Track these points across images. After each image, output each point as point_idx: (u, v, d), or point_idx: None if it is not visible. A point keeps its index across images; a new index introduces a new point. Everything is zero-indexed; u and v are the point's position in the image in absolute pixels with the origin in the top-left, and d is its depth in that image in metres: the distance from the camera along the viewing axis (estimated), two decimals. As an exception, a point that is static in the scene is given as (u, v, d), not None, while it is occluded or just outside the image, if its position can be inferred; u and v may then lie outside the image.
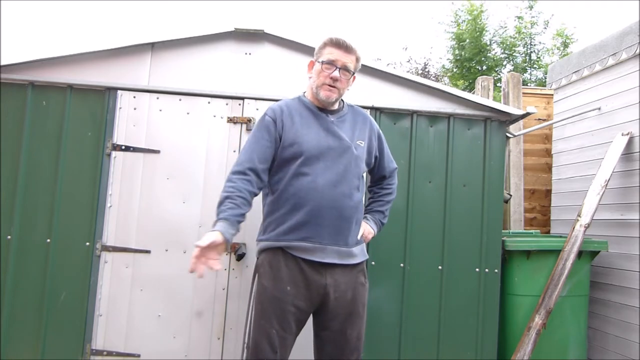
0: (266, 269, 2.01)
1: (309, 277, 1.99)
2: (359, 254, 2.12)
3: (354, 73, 2.11)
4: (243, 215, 1.91)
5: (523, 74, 10.90)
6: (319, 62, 2.07)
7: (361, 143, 2.15)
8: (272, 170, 2.07)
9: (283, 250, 2.00)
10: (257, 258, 2.11)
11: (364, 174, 2.21)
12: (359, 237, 2.12)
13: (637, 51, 3.39)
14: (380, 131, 2.32)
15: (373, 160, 2.26)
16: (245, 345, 2.06)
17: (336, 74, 2.03)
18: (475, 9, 12.56)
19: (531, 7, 12.93)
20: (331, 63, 2.03)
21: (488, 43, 12.65)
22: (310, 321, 2.11)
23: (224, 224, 1.83)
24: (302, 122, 2.08)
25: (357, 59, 2.10)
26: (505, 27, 12.79)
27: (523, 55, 12.83)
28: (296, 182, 2.01)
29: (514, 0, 15.64)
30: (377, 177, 2.35)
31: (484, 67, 12.48)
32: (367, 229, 2.20)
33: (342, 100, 2.21)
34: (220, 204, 1.90)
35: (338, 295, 2.03)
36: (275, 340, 1.96)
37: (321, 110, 2.13)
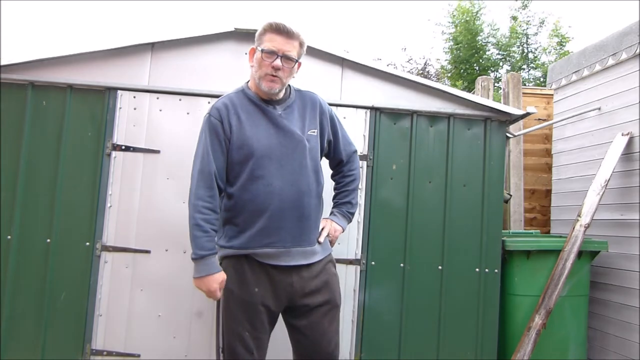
0: (231, 273, 1.97)
1: (274, 278, 1.97)
2: (320, 250, 2.06)
3: (298, 60, 1.98)
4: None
5: (519, 72, 10.91)
6: (259, 50, 1.94)
7: (313, 132, 2.05)
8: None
9: (247, 256, 1.97)
10: (220, 263, 2.01)
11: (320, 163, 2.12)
12: (321, 239, 2.06)
13: (637, 51, 3.39)
14: (333, 112, 2.19)
15: (327, 145, 2.15)
16: (221, 349, 2.03)
17: (278, 62, 1.91)
18: (467, 11, 12.57)
19: (525, 7, 12.94)
20: (272, 52, 1.91)
21: (483, 44, 12.66)
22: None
23: (215, 260, 1.95)
24: (249, 119, 1.98)
25: (301, 44, 1.97)
26: (497, 28, 12.81)
27: (519, 55, 12.84)
28: (251, 186, 1.93)
29: (509, 0, 15.64)
30: (335, 162, 2.23)
31: (481, 68, 12.49)
32: (332, 227, 2.13)
33: (288, 85, 2.07)
34: (201, 230, 1.92)
35: (310, 290, 1.99)
36: (249, 342, 1.94)
37: (267, 102, 2.01)
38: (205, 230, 1.92)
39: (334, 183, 2.29)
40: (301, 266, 2.00)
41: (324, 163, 2.21)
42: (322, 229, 2.10)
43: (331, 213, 2.20)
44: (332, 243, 2.16)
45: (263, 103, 2.02)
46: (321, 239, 2.06)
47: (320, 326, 2.01)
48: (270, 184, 1.93)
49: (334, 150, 2.20)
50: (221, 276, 1.94)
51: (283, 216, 1.94)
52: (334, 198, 2.25)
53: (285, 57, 1.93)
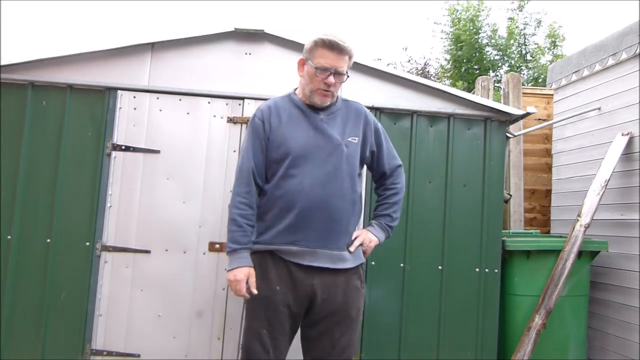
0: (256, 269, 1.98)
1: (296, 278, 1.96)
2: (351, 258, 2.04)
3: (347, 73, 2.02)
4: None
5: (518, 72, 10.92)
6: (311, 65, 1.98)
7: (354, 139, 2.06)
8: None
9: (272, 252, 1.98)
10: None
11: (362, 171, 2.13)
12: (352, 249, 2.03)
13: (637, 51, 3.39)
14: (379, 125, 2.21)
15: (369, 155, 2.15)
16: (240, 346, 2.04)
17: (331, 79, 1.96)
18: (472, 7, 12.57)
19: (521, 8, 12.94)
20: (325, 69, 1.95)
21: (483, 44, 12.66)
22: None
23: (246, 254, 1.98)
24: (290, 121, 2.03)
25: (350, 57, 2.01)
26: (497, 28, 12.80)
27: (517, 55, 12.84)
28: (284, 184, 1.96)
29: (506, 1, 15.64)
30: (378, 175, 2.21)
31: (481, 68, 12.49)
32: (367, 237, 2.08)
33: None
34: (236, 225, 1.97)
35: (326, 297, 1.97)
36: (266, 340, 1.94)
37: (311, 107, 2.05)
38: (240, 225, 1.96)
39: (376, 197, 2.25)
40: (324, 269, 1.98)
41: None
42: (356, 238, 2.06)
43: (369, 224, 2.18)
44: (365, 254, 2.11)
45: (307, 108, 2.06)
46: (352, 248, 2.03)
47: (329, 336, 1.98)
48: (301, 183, 1.95)
49: (377, 162, 2.18)
50: (249, 270, 1.95)
51: (310, 216, 1.94)
52: (374, 210, 2.23)
53: (337, 73, 1.97)
